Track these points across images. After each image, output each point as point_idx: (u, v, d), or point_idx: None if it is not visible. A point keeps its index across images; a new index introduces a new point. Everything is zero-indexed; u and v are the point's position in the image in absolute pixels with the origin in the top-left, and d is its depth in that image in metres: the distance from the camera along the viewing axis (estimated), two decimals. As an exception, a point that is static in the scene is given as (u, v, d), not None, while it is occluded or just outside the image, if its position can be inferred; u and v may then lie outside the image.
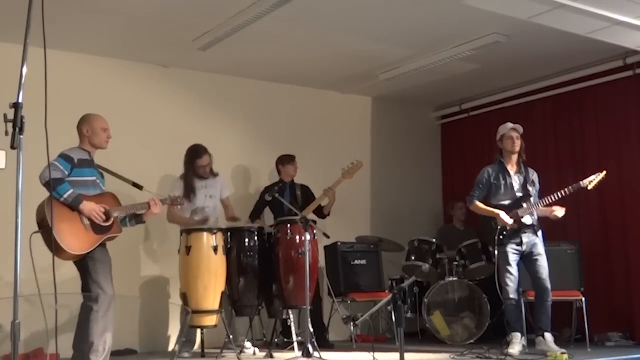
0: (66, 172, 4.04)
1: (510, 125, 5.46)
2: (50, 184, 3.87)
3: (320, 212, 6.18)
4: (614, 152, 6.32)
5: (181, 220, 5.40)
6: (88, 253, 4.05)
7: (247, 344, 5.37)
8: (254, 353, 5.34)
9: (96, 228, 4.10)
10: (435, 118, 8.23)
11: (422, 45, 6.01)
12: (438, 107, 8.15)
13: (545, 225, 5.51)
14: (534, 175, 5.51)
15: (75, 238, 3.98)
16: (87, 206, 4.05)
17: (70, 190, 3.99)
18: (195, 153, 5.53)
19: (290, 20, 5.30)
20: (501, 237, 5.28)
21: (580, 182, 5.24)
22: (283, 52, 6.14)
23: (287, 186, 6.14)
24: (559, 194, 5.26)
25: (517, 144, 5.41)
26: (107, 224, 4.15)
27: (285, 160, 6.23)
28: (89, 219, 4.08)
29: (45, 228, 3.90)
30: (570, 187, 5.24)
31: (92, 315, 4.01)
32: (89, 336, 3.98)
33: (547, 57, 6.31)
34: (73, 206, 4.01)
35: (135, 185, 4.58)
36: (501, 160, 5.48)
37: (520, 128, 5.45)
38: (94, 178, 4.24)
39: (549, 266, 5.33)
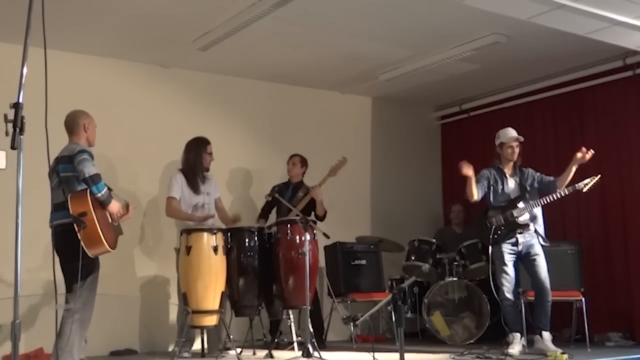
0: None
1: (512, 134, 5.45)
2: (85, 179, 3.89)
3: (316, 215, 6.11)
4: (614, 152, 6.32)
5: (182, 215, 5.39)
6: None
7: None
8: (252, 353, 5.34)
9: (114, 227, 4.17)
10: (435, 118, 8.23)
11: (422, 45, 6.01)
12: (438, 107, 8.15)
13: (545, 225, 5.50)
14: (527, 172, 5.51)
15: (110, 234, 4.03)
16: (115, 205, 4.13)
17: (106, 188, 4.04)
18: (205, 140, 5.55)
19: (290, 20, 5.30)
20: (495, 236, 5.31)
21: (576, 185, 5.26)
22: (283, 53, 6.15)
23: (291, 186, 6.12)
24: (555, 195, 5.28)
25: (517, 153, 5.45)
26: (116, 224, 4.23)
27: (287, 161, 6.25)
28: (111, 218, 4.14)
29: (86, 222, 3.86)
30: (566, 189, 5.26)
31: (73, 317, 3.98)
32: (64, 335, 3.95)
33: (547, 57, 6.32)
34: (105, 204, 4.05)
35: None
36: (499, 167, 5.50)
37: (521, 138, 5.46)
38: None
39: (549, 266, 5.34)
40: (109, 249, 3.98)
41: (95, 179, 3.95)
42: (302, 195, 6.06)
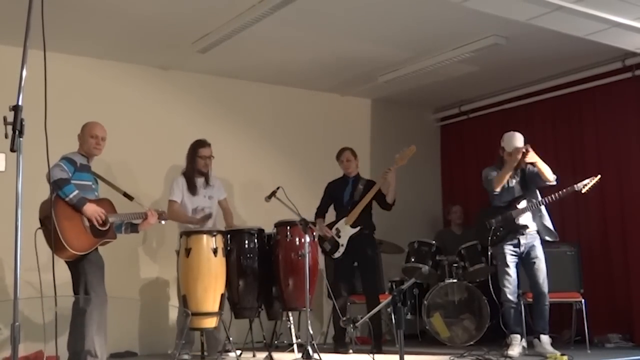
0: (70, 174, 4.15)
1: (516, 147, 5.33)
2: (51, 184, 3.96)
3: (384, 202, 5.79)
4: (613, 154, 6.32)
5: (182, 218, 5.38)
6: (86, 255, 4.10)
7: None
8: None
9: (95, 231, 4.21)
10: (434, 120, 8.23)
11: (421, 47, 6.01)
12: (437, 109, 8.15)
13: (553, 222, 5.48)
14: (527, 169, 5.45)
15: (76, 237, 4.07)
16: (90, 208, 4.16)
17: (76, 192, 4.10)
18: (200, 143, 5.52)
19: (290, 22, 5.30)
20: (494, 237, 5.30)
21: (575, 186, 5.23)
22: (282, 55, 6.15)
23: (350, 180, 5.91)
24: (553, 196, 5.26)
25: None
26: (104, 228, 4.25)
27: (337, 156, 6.02)
28: (89, 222, 4.14)
29: (47, 225, 3.98)
30: (564, 190, 5.24)
31: (84, 318, 4.06)
32: (82, 338, 4.03)
33: (546, 59, 6.32)
34: (77, 207, 4.11)
35: (126, 195, 4.68)
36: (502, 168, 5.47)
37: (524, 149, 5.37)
38: (90, 183, 4.37)
39: (549, 268, 5.34)
40: (73, 251, 4.04)
41: (60, 183, 4.04)
42: (363, 188, 5.80)
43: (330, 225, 5.76)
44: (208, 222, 5.41)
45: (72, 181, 4.16)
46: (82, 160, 4.33)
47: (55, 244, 3.95)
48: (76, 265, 4.17)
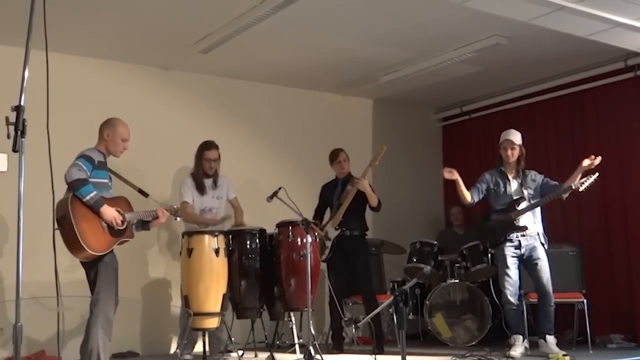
0: (88, 173, 4.11)
1: (506, 137, 5.37)
2: (68, 184, 3.92)
3: (370, 207, 5.77)
4: (616, 154, 6.30)
5: (196, 219, 5.39)
6: (102, 256, 4.10)
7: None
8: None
9: (112, 231, 4.18)
10: (436, 120, 8.23)
11: (423, 47, 6.01)
12: (439, 109, 8.15)
13: (547, 226, 5.48)
14: (530, 174, 5.42)
15: (95, 238, 4.05)
16: (108, 211, 4.12)
17: (94, 193, 4.06)
18: (205, 146, 5.53)
19: (292, 22, 5.30)
20: (495, 239, 5.30)
21: (572, 184, 5.17)
22: (284, 55, 6.15)
23: (339, 182, 5.89)
24: (552, 196, 5.23)
25: (512, 155, 5.33)
26: (122, 227, 4.22)
27: (329, 158, 5.96)
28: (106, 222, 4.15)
29: (65, 225, 3.94)
30: (563, 188, 5.21)
31: (93, 320, 4.05)
32: (89, 340, 4.03)
33: (548, 59, 6.32)
34: (94, 208, 4.07)
35: (141, 192, 4.65)
36: (501, 169, 5.46)
37: (517, 138, 5.35)
38: (106, 181, 4.33)
39: (551, 268, 5.31)
40: (91, 252, 4.01)
41: (77, 184, 4.00)
42: (349, 188, 5.73)
43: (323, 228, 5.77)
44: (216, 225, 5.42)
45: (90, 179, 4.11)
46: (99, 157, 4.27)
47: (74, 245, 3.94)
48: (91, 266, 4.14)
